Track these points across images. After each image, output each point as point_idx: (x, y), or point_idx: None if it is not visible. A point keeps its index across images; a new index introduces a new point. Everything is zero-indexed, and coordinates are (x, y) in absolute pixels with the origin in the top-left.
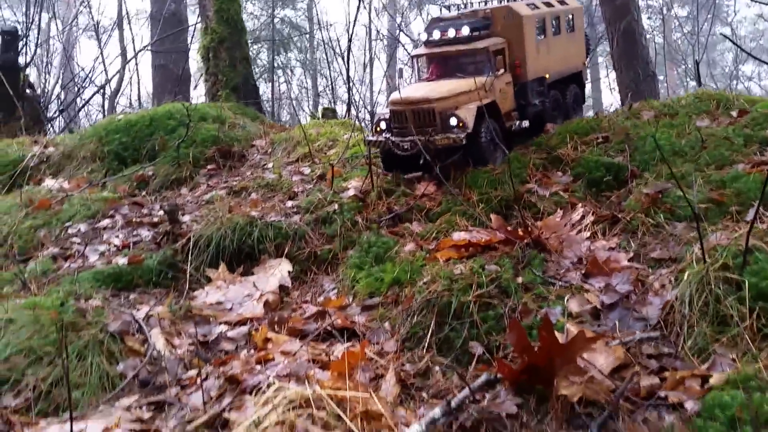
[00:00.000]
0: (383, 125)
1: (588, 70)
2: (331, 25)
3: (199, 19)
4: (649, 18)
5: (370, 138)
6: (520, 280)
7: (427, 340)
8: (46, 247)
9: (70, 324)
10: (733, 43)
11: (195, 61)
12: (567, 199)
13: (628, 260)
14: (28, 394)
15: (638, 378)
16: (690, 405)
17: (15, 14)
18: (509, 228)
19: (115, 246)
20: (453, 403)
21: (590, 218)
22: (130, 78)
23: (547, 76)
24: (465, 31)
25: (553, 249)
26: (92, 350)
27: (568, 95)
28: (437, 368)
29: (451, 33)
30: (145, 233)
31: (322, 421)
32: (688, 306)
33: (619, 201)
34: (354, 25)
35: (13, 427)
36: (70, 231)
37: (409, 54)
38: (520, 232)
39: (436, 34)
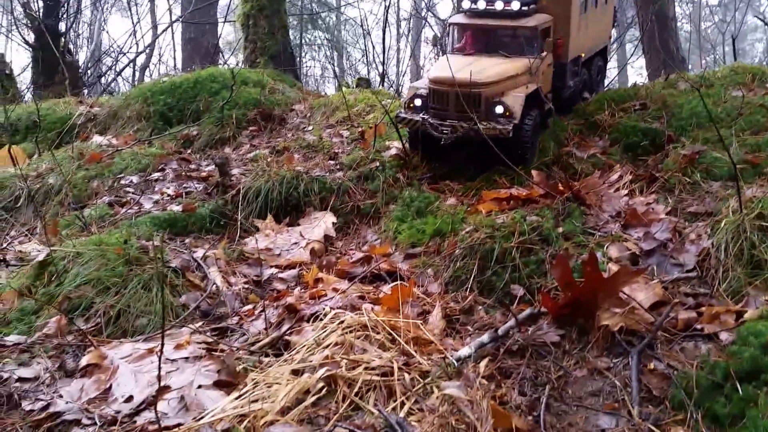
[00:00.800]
0: (418, 102)
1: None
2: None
3: None
4: (679, 5)
5: (403, 114)
6: (560, 229)
7: (470, 283)
8: (101, 196)
9: (134, 259)
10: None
11: (221, 39)
12: (604, 161)
13: (666, 213)
14: (98, 319)
15: (676, 312)
16: (725, 336)
17: None
18: (550, 183)
19: (168, 195)
20: (500, 331)
21: (628, 177)
22: (161, 51)
23: (582, 55)
24: (515, 5)
25: (593, 204)
26: (156, 283)
27: (593, 70)
28: (480, 307)
29: (499, 5)
30: (196, 185)
31: (378, 342)
32: (723, 252)
33: (655, 164)
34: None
35: (89, 344)
36: (122, 182)
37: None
38: (561, 187)
39: (481, 4)
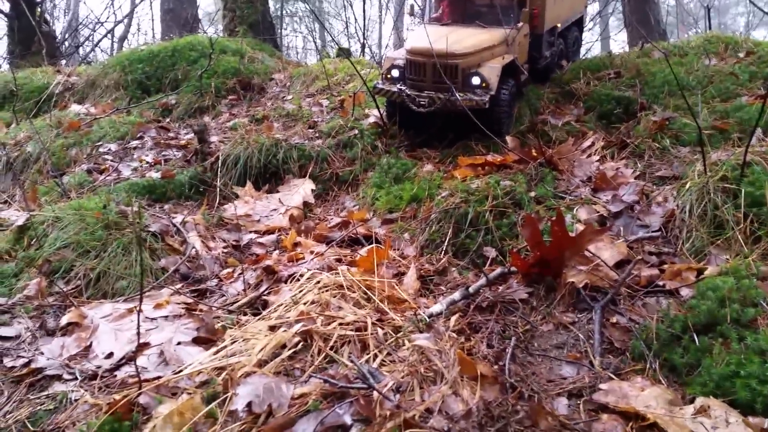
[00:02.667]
0: (395, 73)
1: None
2: None
3: None
4: None
5: (380, 86)
6: (532, 194)
7: (445, 246)
8: (79, 163)
9: (114, 223)
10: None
11: (201, 9)
12: (578, 129)
13: (635, 177)
14: (78, 282)
15: (639, 270)
16: (686, 291)
17: None
18: (524, 149)
19: (147, 163)
20: (471, 289)
21: (600, 144)
22: (139, 22)
23: (558, 25)
24: None
25: (565, 169)
26: (135, 246)
27: (569, 40)
28: (454, 268)
29: None
30: (175, 153)
31: (353, 300)
32: (688, 213)
33: (628, 131)
34: None
35: (70, 305)
36: (101, 150)
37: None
38: (534, 153)
39: None
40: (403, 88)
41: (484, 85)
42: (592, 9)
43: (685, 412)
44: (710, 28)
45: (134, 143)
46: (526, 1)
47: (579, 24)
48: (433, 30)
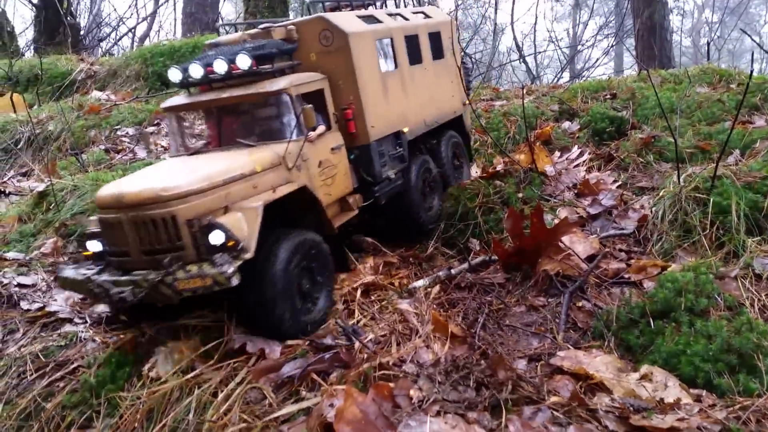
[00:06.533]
0: (95, 246)
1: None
2: None
3: None
4: (679, 15)
5: (64, 273)
6: (520, 195)
7: (435, 236)
8: (98, 144)
9: None
10: (752, 39)
11: (221, 17)
12: (571, 142)
13: (617, 187)
14: None
15: (608, 263)
16: (648, 284)
17: None
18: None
19: (161, 147)
20: (454, 271)
21: (587, 156)
22: (161, 23)
23: (406, 129)
24: (243, 62)
25: (553, 176)
26: None
27: (443, 154)
28: (442, 256)
29: (221, 68)
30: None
31: None
32: (660, 218)
33: (617, 148)
34: None
35: None
36: (119, 133)
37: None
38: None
39: (196, 71)
40: (92, 273)
41: (230, 244)
42: (606, 43)
43: (630, 378)
44: (708, 60)
45: (151, 129)
46: (323, 96)
47: (459, 128)
48: (167, 164)
